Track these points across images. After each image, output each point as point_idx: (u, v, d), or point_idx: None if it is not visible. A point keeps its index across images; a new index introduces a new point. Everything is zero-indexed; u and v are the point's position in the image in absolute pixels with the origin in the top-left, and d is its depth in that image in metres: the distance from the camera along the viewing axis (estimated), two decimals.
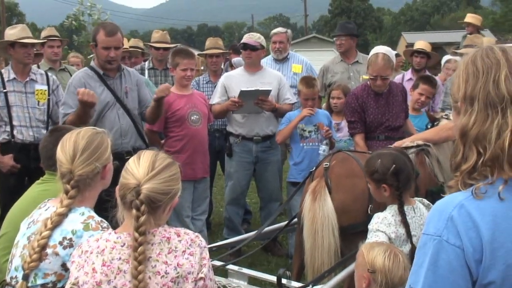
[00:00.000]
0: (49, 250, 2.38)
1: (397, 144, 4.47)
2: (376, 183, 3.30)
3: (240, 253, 4.74)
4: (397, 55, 8.08)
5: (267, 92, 5.62)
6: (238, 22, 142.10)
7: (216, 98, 5.87)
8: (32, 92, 5.33)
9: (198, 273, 2.10)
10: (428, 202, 3.48)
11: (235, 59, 8.45)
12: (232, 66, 8.04)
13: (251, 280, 3.68)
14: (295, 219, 4.41)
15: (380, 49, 5.00)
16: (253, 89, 5.55)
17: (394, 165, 3.20)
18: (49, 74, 5.67)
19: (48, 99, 5.43)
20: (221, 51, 6.95)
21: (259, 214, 7.24)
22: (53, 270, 2.38)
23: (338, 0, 78.91)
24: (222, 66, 7.46)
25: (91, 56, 12.25)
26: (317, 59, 7.37)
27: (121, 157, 3.91)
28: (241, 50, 6.09)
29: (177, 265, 2.08)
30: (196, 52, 8.16)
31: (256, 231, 4.36)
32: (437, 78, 7.39)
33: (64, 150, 2.55)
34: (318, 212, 3.75)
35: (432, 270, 1.51)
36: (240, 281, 3.56)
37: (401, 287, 2.64)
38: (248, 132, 5.82)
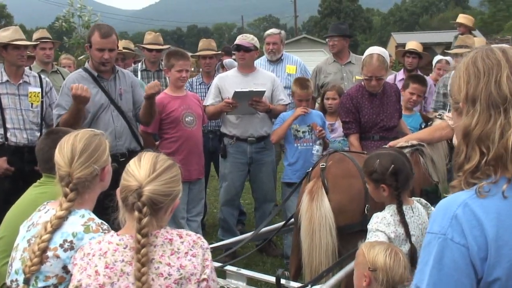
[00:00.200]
0: (50, 253, 2.37)
1: (392, 144, 4.49)
2: (374, 183, 3.31)
3: (235, 254, 4.75)
4: None
5: (261, 93, 5.62)
6: (228, 23, 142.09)
7: (210, 100, 5.87)
8: (25, 95, 5.29)
9: (201, 274, 2.10)
10: (425, 201, 3.50)
11: (227, 61, 8.45)
12: (223, 68, 8.05)
13: (250, 281, 3.68)
14: (292, 220, 4.41)
15: (374, 49, 5.02)
16: (247, 90, 5.55)
17: (393, 165, 3.21)
18: (42, 76, 5.63)
19: (42, 101, 5.39)
20: (214, 52, 6.95)
21: (253, 215, 7.25)
22: (54, 273, 2.38)
23: (328, 1, 79.16)
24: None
25: (81, 57, 12.21)
26: (308, 60, 7.40)
27: (115, 159, 3.90)
28: (234, 52, 6.10)
29: (180, 266, 2.08)
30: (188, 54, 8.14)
31: (253, 232, 4.37)
32: (428, 78, 7.43)
33: (62, 153, 2.54)
34: (316, 212, 3.77)
35: (437, 268, 1.52)
36: (239, 282, 3.57)
37: (401, 285, 2.66)
38: (242, 133, 5.83)
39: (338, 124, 5.80)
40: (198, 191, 5.56)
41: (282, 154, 7.25)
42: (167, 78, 6.81)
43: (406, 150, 4.27)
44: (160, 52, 7.05)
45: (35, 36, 7.19)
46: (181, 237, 2.15)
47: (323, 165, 4.02)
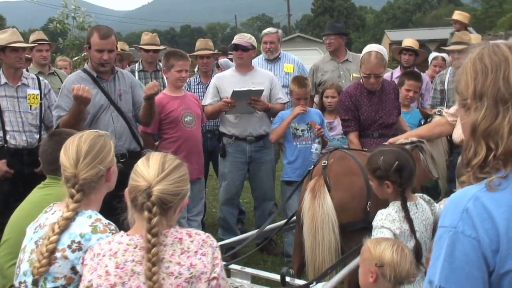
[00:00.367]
0: (58, 254, 2.38)
1: (391, 141, 4.52)
2: (378, 180, 3.32)
3: (236, 253, 4.76)
4: None
5: (260, 92, 5.63)
6: (221, 23, 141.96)
7: (209, 99, 5.88)
8: (24, 97, 5.28)
9: (211, 273, 2.11)
10: (428, 197, 3.52)
11: (222, 60, 8.48)
12: (219, 67, 8.07)
13: (254, 279, 3.70)
14: (293, 218, 4.43)
15: (372, 47, 5.04)
16: (245, 89, 5.57)
17: (397, 162, 3.23)
18: (41, 78, 5.63)
19: (40, 104, 5.38)
20: (212, 52, 6.95)
21: (252, 214, 7.26)
22: (63, 274, 2.38)
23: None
24: None
25: (76, 58, 12.19)
26: (302, 59, 7.39)
27: (115, 160, 3.89)
28: (229, 52, 6.11)
29: (190, 265, 2.09)
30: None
31: (257, 230, 4.38)
32: (424, 75, 7.46)
33: (67, 155, 2.54)
34: (318, 210, 3.78)
35: (448, 262, 1.53)
36: (243, 281, 3.58)
37: (407, 280, 2.67)
38: (241, 132, 5.84)
39: (337, 122, 5.82)
40: (198, 191, 5.57)
41: (280, 152, 7.27)
42: (165, 78, 6.84)
43: (406, 147, 4.29)
44: (157, 53, 7.05)
45: (32, 38, 7.18)
46: (190, 236, 2.16)
47: (324, 163, 4.03)
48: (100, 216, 2.51)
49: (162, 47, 7.23)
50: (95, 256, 2.13)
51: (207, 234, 2.22)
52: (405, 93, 6.09)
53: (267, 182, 6.09)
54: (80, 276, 2.37)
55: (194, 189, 5.47)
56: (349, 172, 4.00)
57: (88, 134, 2.62)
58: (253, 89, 5.60)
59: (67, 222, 2.43)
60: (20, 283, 2.48)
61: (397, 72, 7.49)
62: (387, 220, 3.19)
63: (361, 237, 3.73)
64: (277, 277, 3.51)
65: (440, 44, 23.70)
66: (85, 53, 12.39)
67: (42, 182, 3.18)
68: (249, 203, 8.20)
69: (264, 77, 5.94)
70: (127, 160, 4.41)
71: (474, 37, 7.27)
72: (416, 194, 3.47)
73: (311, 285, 3.32)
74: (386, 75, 7.36)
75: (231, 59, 9.30)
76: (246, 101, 5.60)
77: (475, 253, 1.50)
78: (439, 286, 1.53)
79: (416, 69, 7.31)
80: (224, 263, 3.76)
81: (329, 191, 3.88)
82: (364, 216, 3.87)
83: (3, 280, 2.92)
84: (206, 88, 6.46)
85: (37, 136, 5.34)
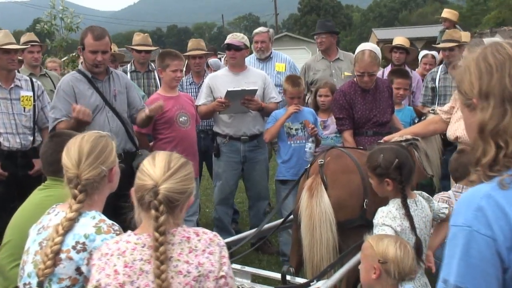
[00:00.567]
0: (62, 255, 2.38)
1: (387, 138, 4.55)
2: (378, 178, 3.34)
3: (231, 253, 4.76)
4: None
5: (254, 91, 5.64)
6: (207, 22, 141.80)
7: (202, 99, 5.88)
8: (17, 99, 5.26)
9: (219, 272, 2.12)
10: (427, 194, 3.55)
11: (212, 60, 8.48)
12: (208, 67, 8.07)
13: (254, 278, 3.71)
14: (291, 217, 4.44)
15: (366, 46, 5.06)
16: (239, 89, 5.57)
17: (397, 159, 3.25)
18: (34, 79, 5.60)
19: (34, 105, 5.37)
20: (204, 52, 6.95)
21: (245, 214, 7.27)
22: (68, 275, 2.39)
23: None
24: None
25: (64, 59, 12.14)
26: (291, 58, 7.42)
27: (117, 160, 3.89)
28: (219, 52, 6.11)
29: (198, 264, 2.10)
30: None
31: (255, 230, 4.38)
32: (415, 73, 7.52)
33: (69, 155, 2.54)
34: (316, 208, 3.80)
35: (464, 260, 1.53)
36: (243, 280, 3.58)
37: (409, 277, 2.70)
38: (235, 132, 5.84)
39: (331, 121, 5.85)
40: None
41: (273, 151, 7.29)
42: (157, 78, 6.84)
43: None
44: (149, 53, 7.04)
45: (23, 39, 7.13)
46: (198, 235, 2.17)
47: (321, 161, 4.05)
48: (103, 217, 2.52)
49: (154, 47, 7.21)
50: (103, 255, 2.14)
51: (214, 233, 2.23)
52: (395, 92, 6.12)
53: (261, 182, 6.10)
54: (85, 277, 2.38)
55: None
56: (346, 170, 4.02)
57: (90, 134, 2.63)
58: (247, 88, 5.61)
59: (70, 223, 2.43)
60: (24, 284, 2.48)
61: (388, 70, 7.53)
62: (388, 218, 3.21)
63: (359, 235, 3.76)
64: (277, 275, 3.52)
65: (427, 42, 23.88)
66: (73, 54, 12.36)
67: (43, 184, 3.17)
68: (242, 203, 8.22)
69: (257, 77, 5.95)
70: (123, 161, 4.39)
71: (464, 34, 7.34)
72: (415, 192, 3.50)
73: (311, 283, 3.34)
74: (378, 73, 7.42)
75: (220, 59, 9.33)
76: (240, 100, 5.61)
77: (490, 251, 1.50)
78: (455, 285, 1.54)
79: (407, 67, 7.36)
80: None
81: (326, 189, 3.89)
82: (361, 214, 3.89)
83: (5, 282, 2.92)
84: (199, 88, 6.46)
85: (31, 138, 5.32)
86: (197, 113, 5.70)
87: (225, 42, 5.96)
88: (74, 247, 2.39)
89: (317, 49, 7.64)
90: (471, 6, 63.41)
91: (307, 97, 6.88)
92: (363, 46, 5.06)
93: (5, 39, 5.20)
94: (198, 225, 6.87)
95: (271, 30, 7.10)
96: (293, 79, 5.69)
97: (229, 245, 4.46)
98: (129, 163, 4.53)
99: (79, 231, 2.43)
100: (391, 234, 3.04)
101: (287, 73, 6.57)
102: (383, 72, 7.57)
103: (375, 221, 3.27)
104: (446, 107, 4.79)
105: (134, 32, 7.62)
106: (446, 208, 3.49)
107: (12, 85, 5.24)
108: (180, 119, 5.33)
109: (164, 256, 2.05)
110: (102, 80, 4.75)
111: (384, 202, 3.47)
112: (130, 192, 2.20)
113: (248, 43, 6.03)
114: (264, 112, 5.87)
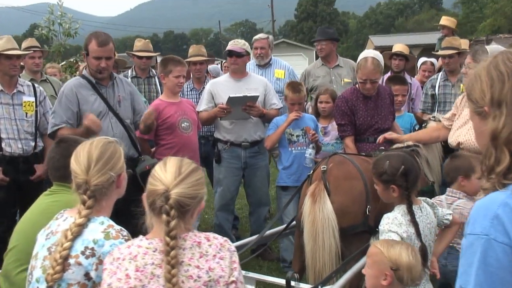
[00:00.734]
0: (71, 260, 2.39)
1: (388, 136, 4.63)
2: (384, 184, 3.36)
3: None
4: None
5: (255, 98, 5.66)
6: (204, 28, 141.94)
7: (203, 105, 5.89)
8: (19, 104, 5.26)
9: (229, 277, 2.13)
10: (432, 201, 3.57)
11: (211, 67, 8.53)
12: (208, 73, 8.10)
13: (258, 283, 3.72)
14: (293, 223, 4.46)
15: (369, 53, 5.08)
16: (241, 95, 5.59)
17: (403, 166, 3.27)
18: (36, 85, 5.61)
19: (36, 111, 5.37)
20: (204, 58, 6.97)
21: (245, 220, 7.27)
22: (76, 280, 2.39)
23: (304, 5, 79.71)
24: None
25: (62, 64, 12.15)
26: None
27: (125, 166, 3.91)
28: (217, 59, 6.14)
29: (209, 269, 2.11)
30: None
31: (258, 235, 4.39)
32: (414, 80, 7.55)
33: (78, 161, 2.56)
34: (318, 214, 3.82)
35: (482, 269, 1.53)
36: (248, 285, 3.59)
37: (414, 283, 2.71)
38: (236, 138, 5.86)
39: (331, 127, 5.88)
40: None
41: (271, 158, 7.31)
42: (158, 84, 6.86)
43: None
44: (150, 59, 7.07)
45: (24, 45, 7.14)
46: (208, 240, 2.19)
47: (324, 167, 4.07)
48: (112, 222, 2.53)
49: (155, 53, 7.24)
50: (115, 260, 2.15)
51: (225, 238, 2.25)
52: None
53: (262, 188, 6.12)
54: (94, 282, 2.39)
55: None
56: (348, 176, 4.04)
57: (99, 140, 2.64)
58: (248, 95, 5.62)
59: (79, 229, 2.44)
60: None
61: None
62: (394, 224, 3.22)
63: (361, 241, 3.79)
64: (281, 281, 3.54)
65: (424, 49, 23.97)
66: (70, 60, 12.37)
67: (49, 189, 3.18)
68: (241, 209, 8.22)
69: (258, 83, 5.97)
70: (126, 167, 4.42)
71: (463, 41, 7.39)
72: (420, 198, 3.51)
73: None
74: None
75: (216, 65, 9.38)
76: (241, 107, 5.62)
77: (508, 259, 1.50)
78: None
79: (406, 74, 7.39)
80: None
81: (329, 195, 3.91)
82: (364, 220, 3.91)
83: (11, 287, 2.91)
84: (200, 94, 6.49)
85: (33, 144, 5.33)
86: (198, 119, 5.71)
87: (227, 48, 5.98)
88: (83, 253, 2.40)
89: (314, 56, 7.68)
90: (467, 14, 63.80)
91: (306, 104, 6.91)
92: (366, 53, 5.08)
93: (8, 45, 5.21)
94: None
95: (270, 36, 7.13)
96: (294, 85, 5.71)
97: None
98: (132, 169, 4.54)
99: (88, 237, 2.44)
100: (398, 240, 3.05)
101: (287, 80, 6.60)
102: (383, 79, 7.62)
103: (381, 227, 3.29)
104: (448, 114, 4.83)
105: (130, 37, 7.67)
106: (450, 214, 3.50)
107: (15, 91, 5.25)
108: (182, 125, 5.34)
109: (175, 261, 2.06)
110: (106, 86, 4.76)
111: (387, 208, 3.49)
112: (142, 197, 2.22)
113: (249, 50, 6.06)
114: (265, 119, 5.89)
